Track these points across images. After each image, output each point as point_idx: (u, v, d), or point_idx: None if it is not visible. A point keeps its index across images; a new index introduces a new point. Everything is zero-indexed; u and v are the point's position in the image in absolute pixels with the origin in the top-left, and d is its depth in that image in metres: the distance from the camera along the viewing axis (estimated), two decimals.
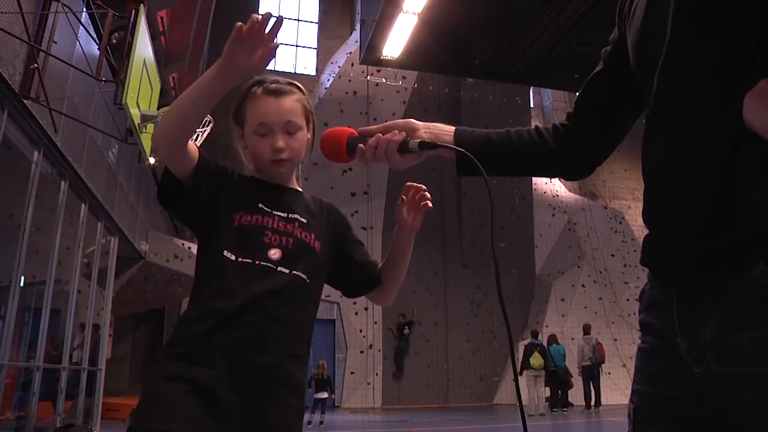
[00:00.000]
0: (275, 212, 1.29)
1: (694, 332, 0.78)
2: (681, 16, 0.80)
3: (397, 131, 1.10)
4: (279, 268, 1.24)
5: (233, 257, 1.21)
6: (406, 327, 14.20)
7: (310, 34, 18.44)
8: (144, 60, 6.13)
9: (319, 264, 1.34)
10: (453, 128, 1.14)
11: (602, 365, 12.01)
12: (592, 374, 11.84)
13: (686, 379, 0.80)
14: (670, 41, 0.82)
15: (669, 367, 0.84)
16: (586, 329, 12.45)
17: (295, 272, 1.26)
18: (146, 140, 6.31)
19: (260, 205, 1.28)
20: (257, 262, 1.22)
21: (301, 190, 1.41)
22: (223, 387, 1.12)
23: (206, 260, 1.24)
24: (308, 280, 1.29)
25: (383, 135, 1.10)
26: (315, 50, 18.12)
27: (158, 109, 6.86)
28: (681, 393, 0.82)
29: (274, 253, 1.24)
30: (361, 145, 1.10)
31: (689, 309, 0.79)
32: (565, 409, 11.66)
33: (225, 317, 1.16)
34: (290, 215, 1.31)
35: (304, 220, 1.32)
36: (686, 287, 0.80)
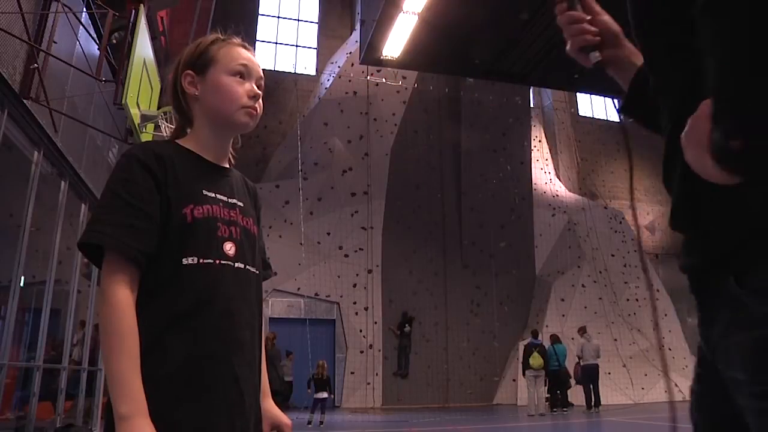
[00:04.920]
0: (218, 197, 1.14)
1: (708, 333, 0.80)
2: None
3: (597, 32, 1.03)
4: (236, 265, 1.11)
5: (194, 260, 1.05)
6: (407, 325, 14.20)
7: (310, 34, 18.45)
8: (144, 60, 6.13)
9: (258, 251, 1.21)
10: (640, 62, 1.04)
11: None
12: (593, 374, 11.83)
13: (716, 375, 0.81)
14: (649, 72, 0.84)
15: (704, 361, 0.86)
16: (584, 329, 12.45)
17: (248, 267, 1.14)
18: (146, 140, 6.31)
19: (204, 192, 1.11)
20: (217, 261, 1.08)
21: (229, 167, 1.24)
22: (223, 416, 1.03)
23: (157, 271, 1.04)
24: (257, 272, 1.18)
25: (588, 25, 1.03)
26: (315, 50, 18.13)
27: (158, 108, 6.87)
28: (713, 388, 0.83)
29: (230, 248, 1.11)
30: (565, 8, 1.05)
31: (705, 311, 0.81)
32: (565, 409, 11.65)
33: (202, 338, 1.03)
34: (230, 200, 1.16)
35: (242, 204, 1.19)
36: (698, 289, 0.82)
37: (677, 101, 0.79)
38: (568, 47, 1.05)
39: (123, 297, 0.99)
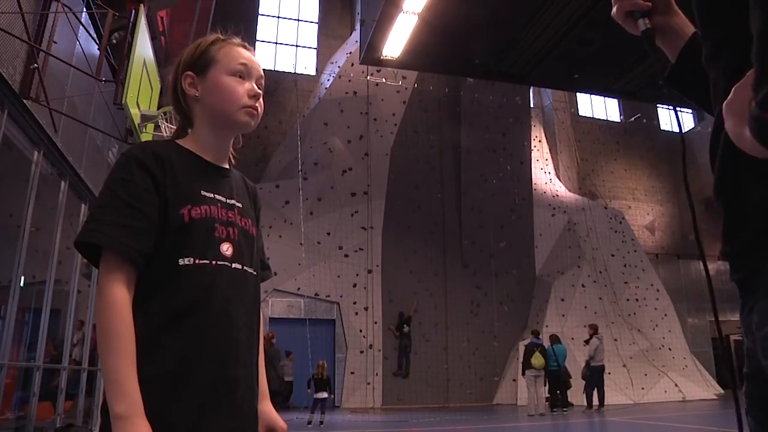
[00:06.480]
0: (217, 197, 1.14)
1: (748, 322, 0.79)
2: (696, 18, 0.81)
3: None
4: (233, 266, 1.11)
5: (191, 261, 1.05)
6: (406, 325, 14.21)
7: (310, 34, 18.44)
8: (144, 60, 6.13)
9: (257, 252, 1.21)
10: (691, 33, 1.00)
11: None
12: (601, 375, 11.82)
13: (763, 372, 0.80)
14: (702, 39, 0.82)
15: (749, 350, 0.84)
16: (596, 329, 12.36)
17: (246, 268, 1.14)
18: (146, 140, 6.31)
19: (202, 192, 1.12)
20: (213, 261, 1.08)
21: (229, 167, 1.24)
22: (218, 417, 1.03)
23: (153, 271, 1.04)
24: (255, 273, 1.18)
25: None
26: (315, 50, 18.13)
27: (158, 108, 6.87)
28: (760, 374, 0.81)
29: (227, 249, 1.11)
30: None
31: (744, 299, 0.80)
32: (565, 409, 11.65)
33: (197, 338, 1.03)
34: (229, 200, 1.16)
35: (240, 205, 1.19)
36: (738, 278, 0.80)
37: (729, 70, 0.76)
38: (614, 11, 1.00)
39: (120, 297, 0.99)
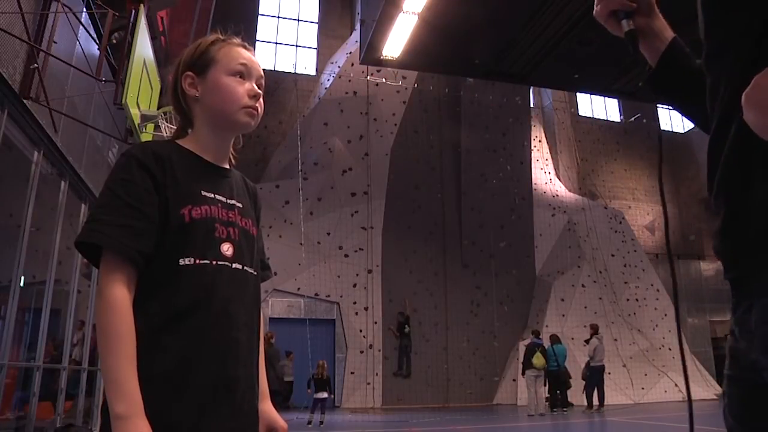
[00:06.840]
0: (217, 197, 1.14)
1: (744, 320, 0.78)
2: (701, 16, 0.81)
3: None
4: (234, 266, 1.11)
5: (191, 261, 1.05)
6: (407, 326, 14.21)
7: (310, 34, 18.45)
8: (144, 60, 6.13)
9: (257, 252, 1.21)
10: (671, 37, 1.01)
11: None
12: (601, 375, 11.81)
13: (750, 373, 0.79)
14: (704, 39, 0.82)
15: (737, 351, 0.83)
16: (597, 329, 12.35)
17: (246, 268, 1.14)
18: (146, 140, 6.31)
19: (203, 193, 1.12)
20: (213, 261, 1.08)
21: (229, 167, 1.24)
22: (217, 417, 1.03)
23: (154, 271, 1.04)
24: (255, 273, 1.18)
25: None
26: (315, 50, 18.13)
27: (158, 108, 6.87)
28: (749, 375, 0.80)
29: (227, 249, 1.11)
30: None
31: (739, 296, 0.79)
32: (565, 409, 11.65)
33: (197, 338, 1.02)
34: (229, 200, 1.16)
35: (241, 205, 1.19)
36: (734, 277, 0.79)
37: (736, 70, 0.76)
38: (597, 10, 1.00)
39: (120, 297, 0.99)
